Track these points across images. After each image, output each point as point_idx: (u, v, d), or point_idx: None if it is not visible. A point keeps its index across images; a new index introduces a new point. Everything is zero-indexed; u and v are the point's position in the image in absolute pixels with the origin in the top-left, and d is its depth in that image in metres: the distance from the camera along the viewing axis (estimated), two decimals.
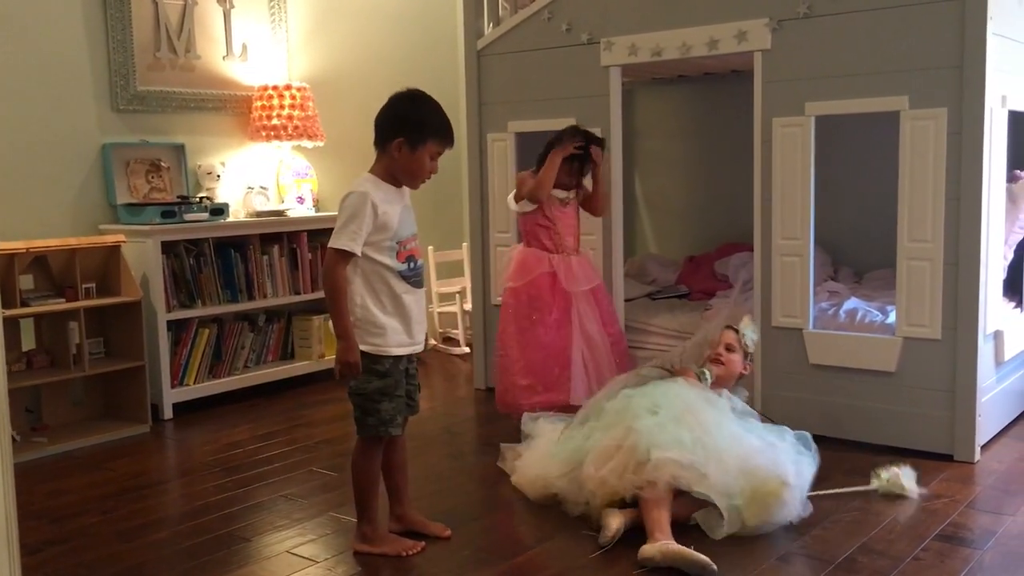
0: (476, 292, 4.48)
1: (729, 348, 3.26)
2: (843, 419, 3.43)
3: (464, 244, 5.19)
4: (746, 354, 3.30)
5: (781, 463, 2.73)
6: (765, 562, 2.50)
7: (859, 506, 2.87)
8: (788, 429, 2.94)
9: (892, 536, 2.64)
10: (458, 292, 5.26)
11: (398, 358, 2.56)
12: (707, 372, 3.18)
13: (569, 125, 3.83)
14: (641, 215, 5.28)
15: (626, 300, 4.12)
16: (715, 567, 2.39)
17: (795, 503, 2.69)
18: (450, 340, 5.47)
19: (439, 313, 5.44)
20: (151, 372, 3.95)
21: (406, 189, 2.62)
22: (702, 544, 2.56)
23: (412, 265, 2.57)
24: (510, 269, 3.81)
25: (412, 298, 2.57)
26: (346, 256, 2.48)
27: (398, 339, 2.54)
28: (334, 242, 2.47)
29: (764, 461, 2.71)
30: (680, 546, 2.46)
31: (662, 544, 2.47)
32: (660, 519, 2.56)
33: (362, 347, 2.51)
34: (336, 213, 2.54)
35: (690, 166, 5.06)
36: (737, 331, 3.30)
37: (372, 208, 2.48)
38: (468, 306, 4.99)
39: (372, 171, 2.58)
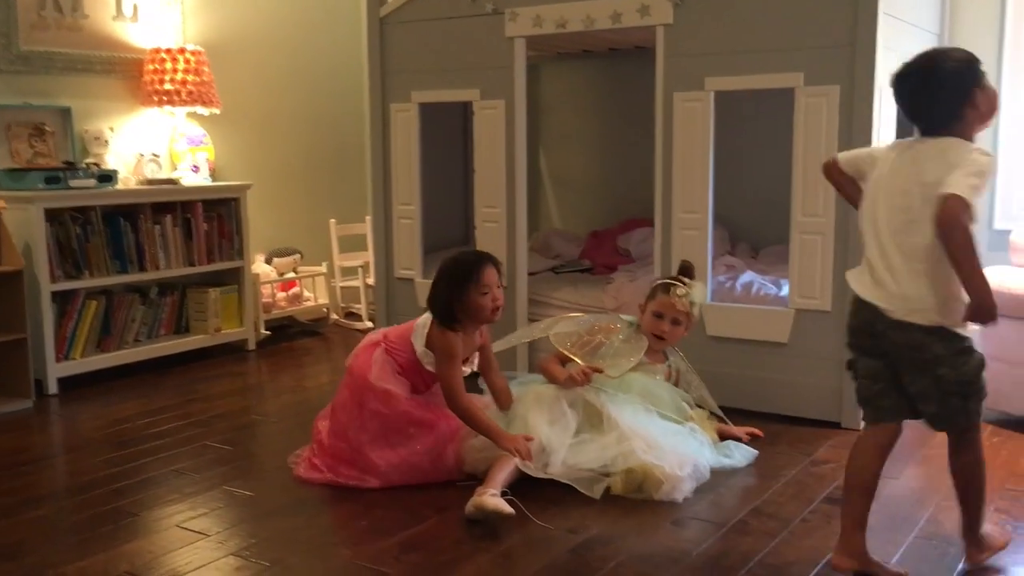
0: (379, 266, 4.42)
1: (675, 321, 3.19)
2: (738, 389, 3.50)
3: (367, 217, 5.11)
4: (689, 315, 3.20)
5: (667, 453, 2.79)
6: (660, 527, 2.54)
7: (751, 472, 2.94)
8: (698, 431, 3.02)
9: (782, 499, 2.72)
10: (361, 266, 5.18)
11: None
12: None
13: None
14: (546, 190, 5.28)
15: (530, 274, 4.12)
16: (511, 511, 2.49)
17: (675, 491, 2.72)
18: (352, 315, 5.40)
19: (341, 288, 5.36)
20: (34, 345, 3.78)
21: None
22: (589, 504, 2.64)
23: None
24: (388, 370, 2.94)
25: None
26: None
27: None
28: (966, 193, 2.02)
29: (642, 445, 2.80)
30: (482, 497, 2.53)
31: (474, 498, 2.56)
32: (493, 476, 2.66)
33: (949, 325, 2.15)
34: None
35: (595, 141, 5.08)
36: (681, 298, 3.15)
37: None
38: (371, 280, 4.93)
39: None
